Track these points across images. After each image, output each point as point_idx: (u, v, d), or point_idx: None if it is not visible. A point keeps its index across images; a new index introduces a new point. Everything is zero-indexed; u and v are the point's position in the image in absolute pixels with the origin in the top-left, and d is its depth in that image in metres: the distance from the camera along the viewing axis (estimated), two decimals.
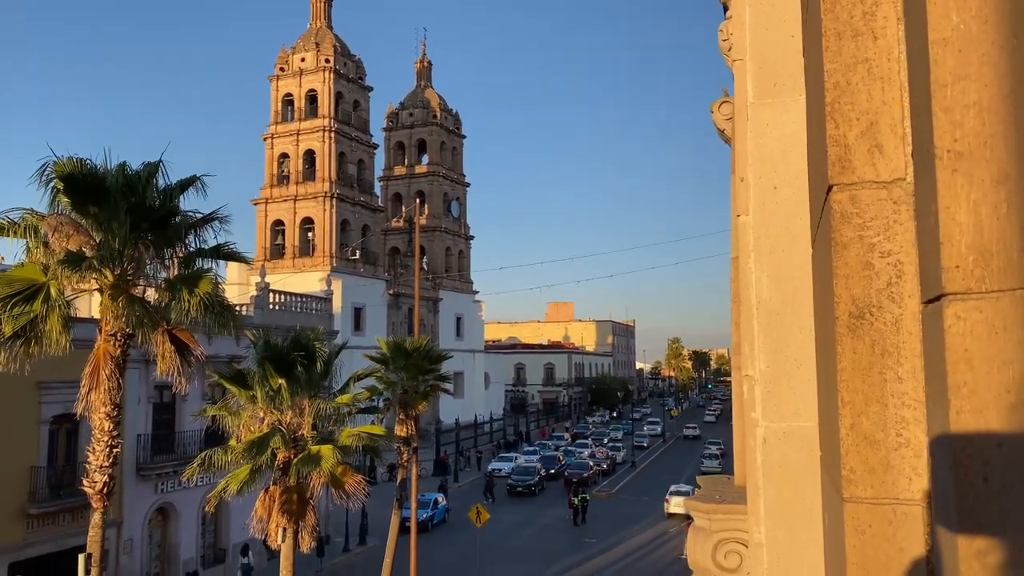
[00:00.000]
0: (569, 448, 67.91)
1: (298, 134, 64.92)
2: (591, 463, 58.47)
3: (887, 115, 1.74)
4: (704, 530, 4.45)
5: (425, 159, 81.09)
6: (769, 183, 3.35)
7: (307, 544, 17.83)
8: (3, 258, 31.56)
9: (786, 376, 3.27)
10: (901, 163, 1.72)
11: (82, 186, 14.82)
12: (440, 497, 42.92)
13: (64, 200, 15.06)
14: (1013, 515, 1.10)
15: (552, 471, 56.45)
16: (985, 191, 1.17)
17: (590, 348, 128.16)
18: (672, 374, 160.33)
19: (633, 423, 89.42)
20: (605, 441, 70.80)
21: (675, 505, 42.26)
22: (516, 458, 61.08)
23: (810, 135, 2.26)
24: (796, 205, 3.28)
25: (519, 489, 50.58)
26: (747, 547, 4.05)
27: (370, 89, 70.41)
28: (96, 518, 14.87)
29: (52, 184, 14.84)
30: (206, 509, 17.97)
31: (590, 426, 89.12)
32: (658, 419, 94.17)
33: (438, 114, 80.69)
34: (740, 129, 3.86)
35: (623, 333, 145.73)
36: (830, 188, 1.80)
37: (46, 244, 14.91)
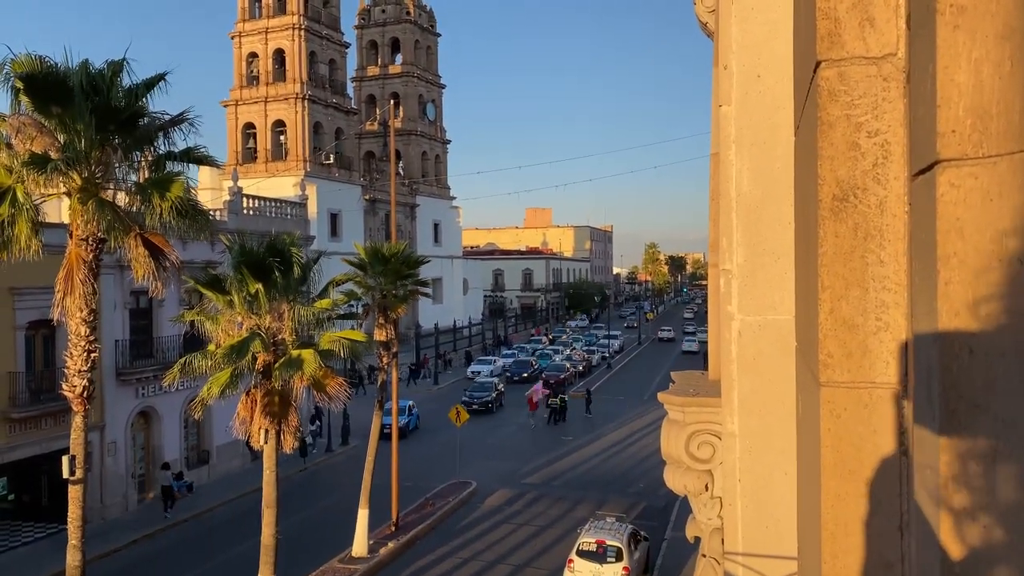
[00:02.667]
0: (546, 351, 69.01)
1: (267, 32, 62.64)
2: (568, 365, 59.60)
3: None
4: (678, 423, 4.53)
5: (399, 59, 78.68)
6: (753, 71, 3.24)
7: (289, 445, 18.15)
8: None
9: (763, 269, 3.25)
10: (893, 37, 1.64)
11: (43, 86, 14.24)
12: (412, 403, 42.99)
13: (25, 100, 14.52)
14: (997, 386, 1.08)
15: (525, 375, 57.14)
16: (988, 48, 1.10)
17: (568, 254, 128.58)
18: (649, 279, 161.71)
19: (597, 336, 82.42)
20: (567, 352, 68.29)
21: (687, 346, 70.82)
22: (494, 360, 61.94)
23: (798, 11, 2.16)
24: (779, 95, 3.19)
25: (475, 407, 44.04)
26: (720, 438, 4.13)
27: None
28: (78, 421, 14.96)
29: (11, 83, 14.27)
30: (194, 416, 18.12)
31: (566, 331, 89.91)
32: (617, 332, 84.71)
33: (412, 10, 77.85)
34: (724, 16, 3.72)
35: (601, 238, 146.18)
36: (818, 65, 1.71)
37: (9, 146, 14.44)
